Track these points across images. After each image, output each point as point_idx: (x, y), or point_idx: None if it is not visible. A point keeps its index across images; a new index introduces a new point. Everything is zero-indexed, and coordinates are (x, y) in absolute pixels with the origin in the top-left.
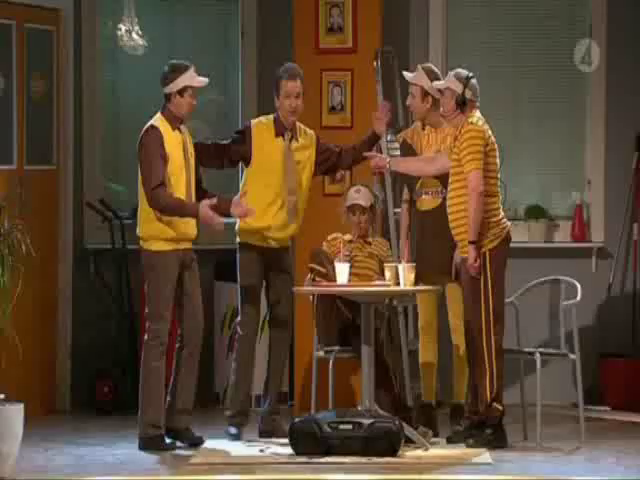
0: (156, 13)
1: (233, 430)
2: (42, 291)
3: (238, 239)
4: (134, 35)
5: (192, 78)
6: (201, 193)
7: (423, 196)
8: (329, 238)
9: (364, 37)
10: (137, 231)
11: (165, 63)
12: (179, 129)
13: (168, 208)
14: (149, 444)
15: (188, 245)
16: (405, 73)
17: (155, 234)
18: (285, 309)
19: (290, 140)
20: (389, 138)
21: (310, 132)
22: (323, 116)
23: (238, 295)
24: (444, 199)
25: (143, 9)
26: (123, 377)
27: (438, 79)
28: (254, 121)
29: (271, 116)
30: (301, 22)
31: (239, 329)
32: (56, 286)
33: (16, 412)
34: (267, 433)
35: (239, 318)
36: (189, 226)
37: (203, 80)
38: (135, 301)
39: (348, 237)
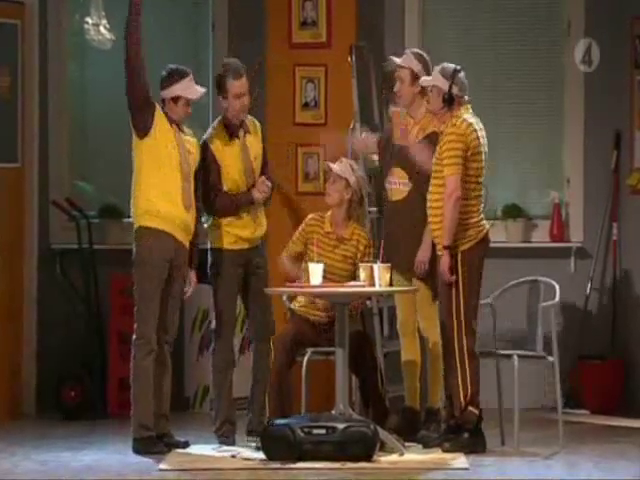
0: (124, 6)
1: (226, 440)
2: (7, 291)
3: (210, 245)
4: (102, 29)
5: (186, 89)
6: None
7: (392, 185)
8: (309, 217)
9: (338, 32)
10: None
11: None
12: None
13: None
14: (141, 446)
15: (180, 245)
16: (393, 58)
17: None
18: (269, 321)
19: (244, 136)
20: (363, 135)
21: (257, 122)
22: (296, 112)
23: (212, 302)
24: (409, 192)
25: (111, 2)
26: (90, 380)
27: (426, 64)
28: (206, 137)
29: (217, 122)
30: (274, 16)
31: (214, 339)
32: (21, 286)
33: None
34: (256, 433)
35: (213, 326)
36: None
37: (198, 91)
38: (102, 302)
39: (327, 228)
